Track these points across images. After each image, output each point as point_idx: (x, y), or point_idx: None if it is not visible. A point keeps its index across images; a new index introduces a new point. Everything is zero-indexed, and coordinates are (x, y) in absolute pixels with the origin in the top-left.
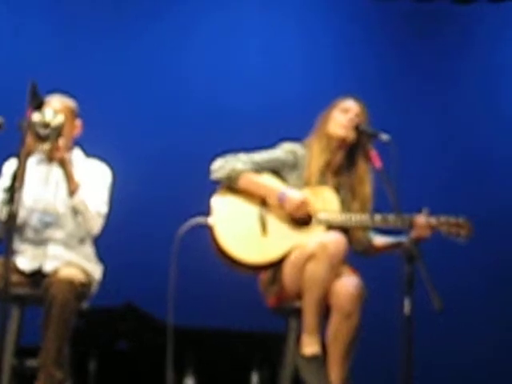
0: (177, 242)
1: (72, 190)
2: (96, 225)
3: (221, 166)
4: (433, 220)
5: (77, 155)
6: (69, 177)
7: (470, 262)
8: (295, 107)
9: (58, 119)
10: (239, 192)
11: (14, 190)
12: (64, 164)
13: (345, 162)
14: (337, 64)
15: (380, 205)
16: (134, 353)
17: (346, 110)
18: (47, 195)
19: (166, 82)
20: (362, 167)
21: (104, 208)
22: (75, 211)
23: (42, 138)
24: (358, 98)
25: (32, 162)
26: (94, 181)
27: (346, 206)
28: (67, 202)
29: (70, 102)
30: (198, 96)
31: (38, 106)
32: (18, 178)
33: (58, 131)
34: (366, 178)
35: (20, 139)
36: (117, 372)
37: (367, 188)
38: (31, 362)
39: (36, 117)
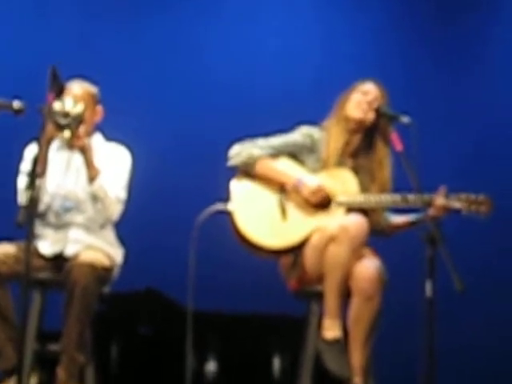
0: (196, 229)
1: (92, 177)
2: (115, 211)
3: (238, 153)
4: (452, 198)
5: (97, 140)
6: (89, 164)
7: (491, 242)
8: (314, 91)
9: (78, 108)
10: (258, 177)
11: (34, 176)
12: (84, 151)
13: (363, 144)
14: (357, 48)
15: (400, 186)
16: (156, 337)
17: (365, 93)
18: (68, 181)
19: (185, 67)
20: (381, 151)
21: (123, 194)
22: (94, 198)
23: (62, 127)
24: (377, 81)
25: (53, 148)
26: (114, 166)
27: (364, 189)
28: (87, 188)
29: (91, 88)
30: (216, 82)
31: (59, 90)
32: (38, 163)
33: (77, 120)
34: (385, 162)
35: (40, 124)
36: (138, 356)
37: (386, 172)
38: (53, 347)
39: (56, 106)
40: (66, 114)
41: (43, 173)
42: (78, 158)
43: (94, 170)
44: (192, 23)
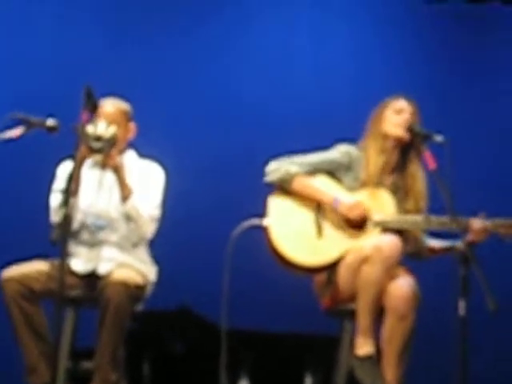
0: (231, 244)
1: (125, 196)
2: (148, 230)
3: (275, 169)
4: (489, 223)
5: (130, 157)
6: (122, 183)
7: None
8: (348, 108)
9: (110, 132)
10: (294, 194)
11: (69, 193)
12: (117, 170)
13: (399, 162)
14: (388, 65)
15: (435, 206)
16: (188, 356)
17: (399, 111)
18: (101, 200)
19: (220, 82)
20: (413, 165)
21: (156, 212)
22: (127, 217)
23: (94, 151)
24: (409, 97)
25: (85, 166)
26: (147, 184)
27: (400, 206)
28: (120, 207)
29: (123, 106)
30: (252, 97)
31: (93, 109)
32: (72, 182)
33: (110, 143)
34: (417, 175)
35: (74, 142)
36: (171, 375)
37: (420, 185)
38: (86, 364)
39: (89, 129)
40: (98, 138)
41: (76, 192)
42: (110, 177)
43: (127, 190)
44: (225, 39)
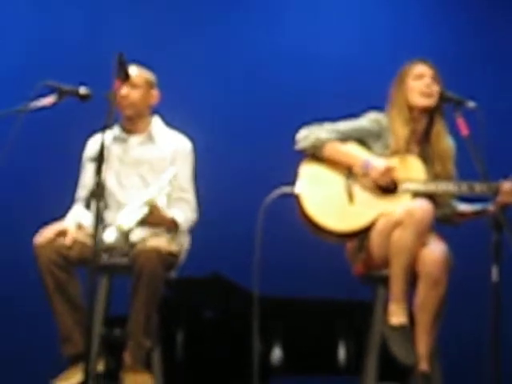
0: (262, 212)
1: (169, 228)
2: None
3: (305, 136)
4: None
5: (156, 124)
6: (161, 224)
7: None
8: (379, 77)
9: (115, 239)
10: (325, 161)
11: (101, 161)
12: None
13: (427, 128)
14: (417, 36)
15: (468, 173)
16: (222, 323)
17: (419, 76)
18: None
19: (249, 51)
20: (437, 125)
21: (195, 217)
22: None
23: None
24: (427, 60)
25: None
26: (180, 171)
27: (430, 171)
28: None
29: (146, 74)
30: (283, 66)
31: (125, 77)
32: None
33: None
34: (442, 132)
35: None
36: (204, 341)
37: (445, 142)
38: (120, 331)
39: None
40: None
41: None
42: (133, 154)
43: (168, 223)
44: (256, 13)
